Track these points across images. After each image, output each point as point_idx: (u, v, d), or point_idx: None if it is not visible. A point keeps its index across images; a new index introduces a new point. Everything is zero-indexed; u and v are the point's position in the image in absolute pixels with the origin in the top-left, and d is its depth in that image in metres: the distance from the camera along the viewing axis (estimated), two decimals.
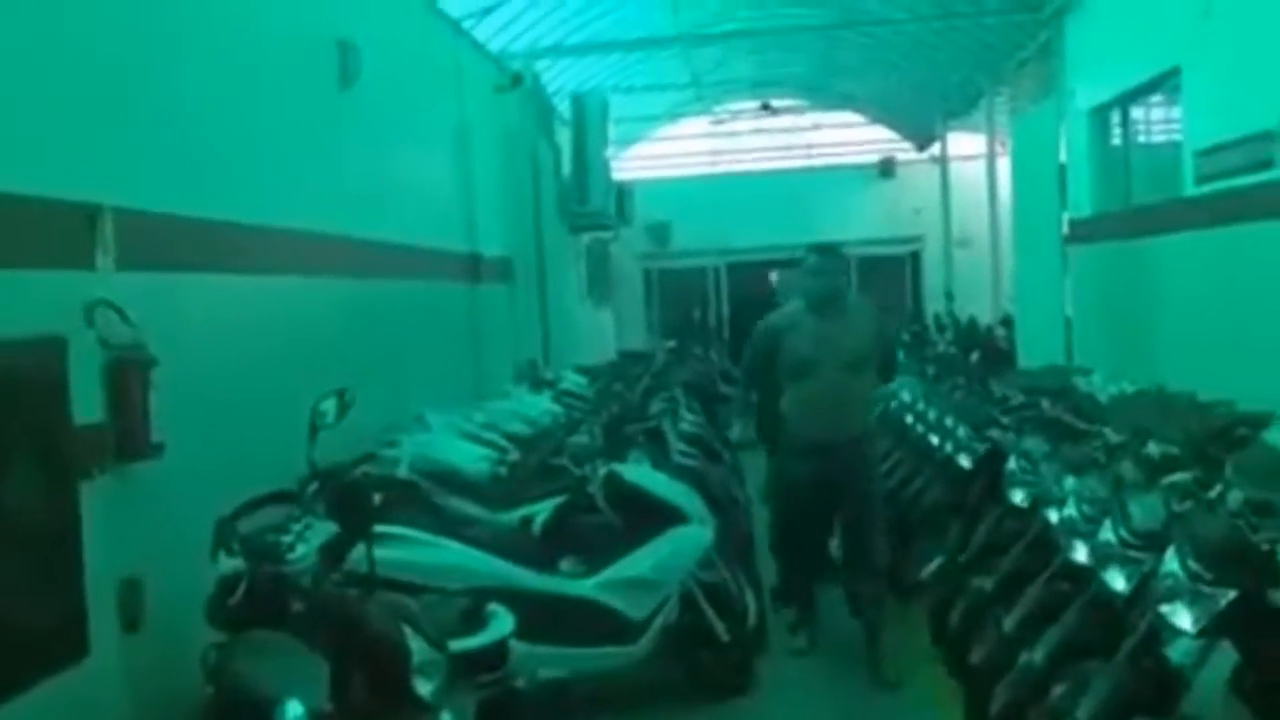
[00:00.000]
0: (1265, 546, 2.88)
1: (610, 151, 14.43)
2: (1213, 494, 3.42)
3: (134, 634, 3.48)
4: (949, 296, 17.73)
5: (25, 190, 3.33)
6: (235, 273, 4.70)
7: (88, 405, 3.37)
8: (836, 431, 5.36)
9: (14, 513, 2.88)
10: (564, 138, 12.83)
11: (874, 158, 20.16)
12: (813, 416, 5.41)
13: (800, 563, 5.78)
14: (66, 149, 3.57)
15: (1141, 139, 9.58)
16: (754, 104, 18.81)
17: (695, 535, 5.02)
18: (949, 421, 6.39)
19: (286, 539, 3.29)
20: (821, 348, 5.36)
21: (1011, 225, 13.16)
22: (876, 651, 5.39)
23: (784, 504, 5.79)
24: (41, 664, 2.90)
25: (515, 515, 5.09)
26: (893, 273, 19.16)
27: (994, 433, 5.79)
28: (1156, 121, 9.33)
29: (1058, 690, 3.60)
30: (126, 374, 3.56)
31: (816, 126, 20.55)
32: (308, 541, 3.30)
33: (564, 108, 12.90)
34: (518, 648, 3.46)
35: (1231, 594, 2.87)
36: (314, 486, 3.64)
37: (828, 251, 5.66)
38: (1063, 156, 10.34)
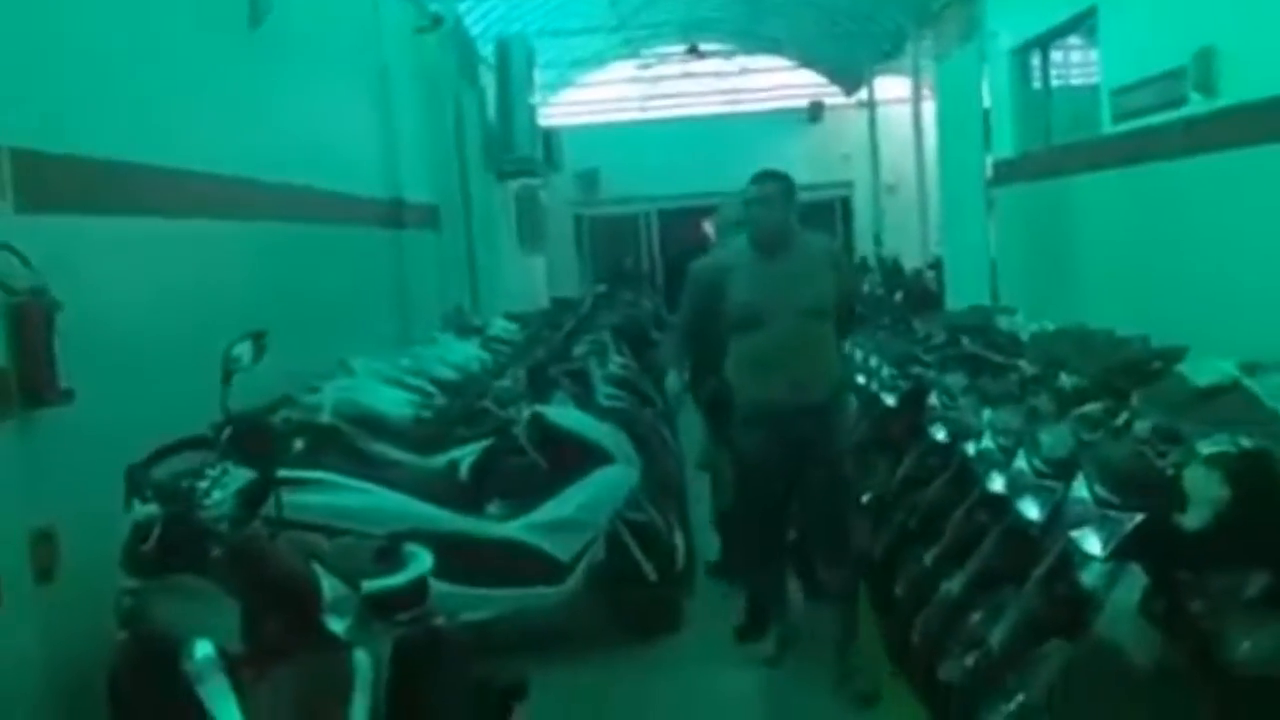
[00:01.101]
0: (1170, 471, 2.95)
1: (537, 97, 14.28)
2: (1119, 422, 3.50)
3: (47, 583, 3.40)
4: (877, 240, 17.90)
5: None
6: (144, 215, 4.57)
7: None
8: (796, 394, 4.49)
9: None
10: (489, 82, 12.66)
11: (802, 102, 20.18)
12: (765, 377, 4.53)
13: (758, 553, 4.92)
14: None
15: (1061, 80, 9.69)
16: (681, 48, 18.71)
17: (620, 475, 5.04)
18: (873, 361, 6.46)
19: (202, 484, 3.23)
20: (771, 293, 4.47)
21: (938, 169, 13.28)
22: (849, 655, 4.61)
23: (738, 484, 4.90)
24: None
25: (441, 459, 5.07)
26: (822, 218, 19.33)
27: (916, 370, 5.85)
28: (1076, 63, 9.43)
29: (975, 617, 3.69)
30: (28, 319, 3.45)
31: (744, 71, 20.54)
32: (224, 487, 3.24)
33: (488, 52, 12.71)
34: (440, 588, 3.45)
35: (1138, 518, 2.94)
36: (228, 431, 3.58)
37: (770, 178, 4.66)
38: (986, 99, 10.43)
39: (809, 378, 4.52)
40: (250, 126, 5.76)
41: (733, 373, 4.67)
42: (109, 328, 4.07)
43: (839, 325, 4.75)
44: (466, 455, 5.03)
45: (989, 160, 10.41)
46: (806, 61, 20.25)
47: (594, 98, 20.48)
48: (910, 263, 15.74)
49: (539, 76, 14.42)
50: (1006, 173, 10.08)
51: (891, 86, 17.96)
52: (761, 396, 4.55)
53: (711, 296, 4.66)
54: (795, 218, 4.66)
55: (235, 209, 5.50)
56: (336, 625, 2.71)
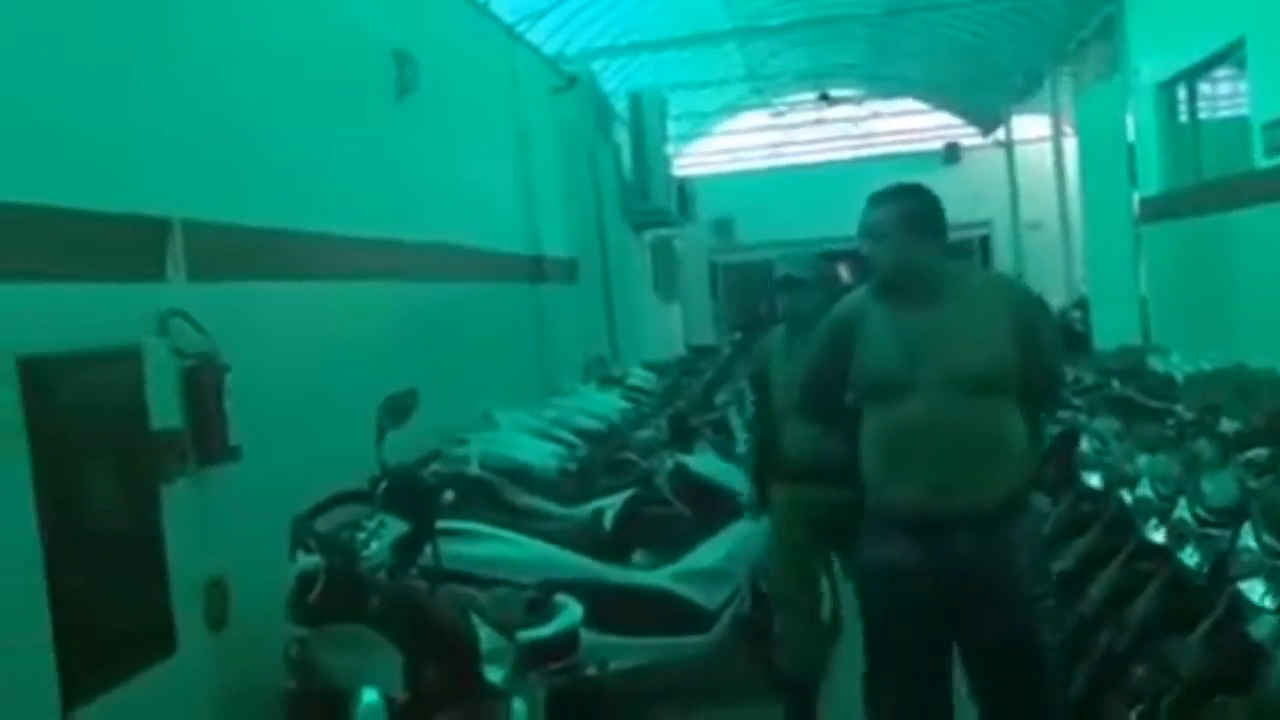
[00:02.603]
0: None
1: (670, 148, 14.45)
2: None
3: (219, 631, 3.57)
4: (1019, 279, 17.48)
5: (100, 207, 3.44)
6: (301, 279, 4.81)
7: (165, 412, 3.47)
8: (942, 498, 3.13)
9: (101, 517, 2.98)
10: (623, 137, 12.87)
11: (937, 144, 19.96)
12: (904, 470, 3.18)
13: None
14: (137, 166, 3.68)
15: (1209, 113, 9.38)
16: (812, 95, 18.70)
17: (763, 525, 5.02)
18: None
19: (360, 536, 3.37)
20: (909, 354, 3.18)
21: (1081, 206, 12.96)
22: None
23: (868, 635, 3.35)
24: (134, 660, 3.00)
25: (585, 509, 5.13)
26: (961, 259, 19.08)
27: (1066, 414, 5.70)
28: (1224, 95, 9.13)
29: (1138, 671, 3.55)
30: (201, 381, 3.65)
31: (876, 115, 20.39)
32: (380, 538, 3.37)
33: (622, 107, 12.94)
34: (590, 638, 3.50)
35: None
36: (384, 485, 3.71)
37: (889, 199, 3.32)
38: (1130, 134, 10.16)
39: (966, 477, 3.13)
40: (398, 190, 6.00)
41: (864, 463, 3.30)
42: (272, 387, 4.27)
43: (1029, 402, 3.30)
44: (610, 505, 5.08)
45: (1135, 196, 10.12)
46: (940, 103, 20.04)
47: (726, 146, 20.61)
48: (1055, 301, 15.34)
49: (672, 128, 14.60)
50: (1154, 209, 9.78)
51: (1029, 125, 17.64)
52: (900, 499, 3.18)
53: (836, 355, 3.37)
54: (936, 251, 3.29)
55: (384, 270, 5.72)
56: (494, 675, 2.77)
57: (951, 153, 19.77)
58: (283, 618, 3.37)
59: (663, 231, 15.63)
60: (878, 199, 3.32)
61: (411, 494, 3.34)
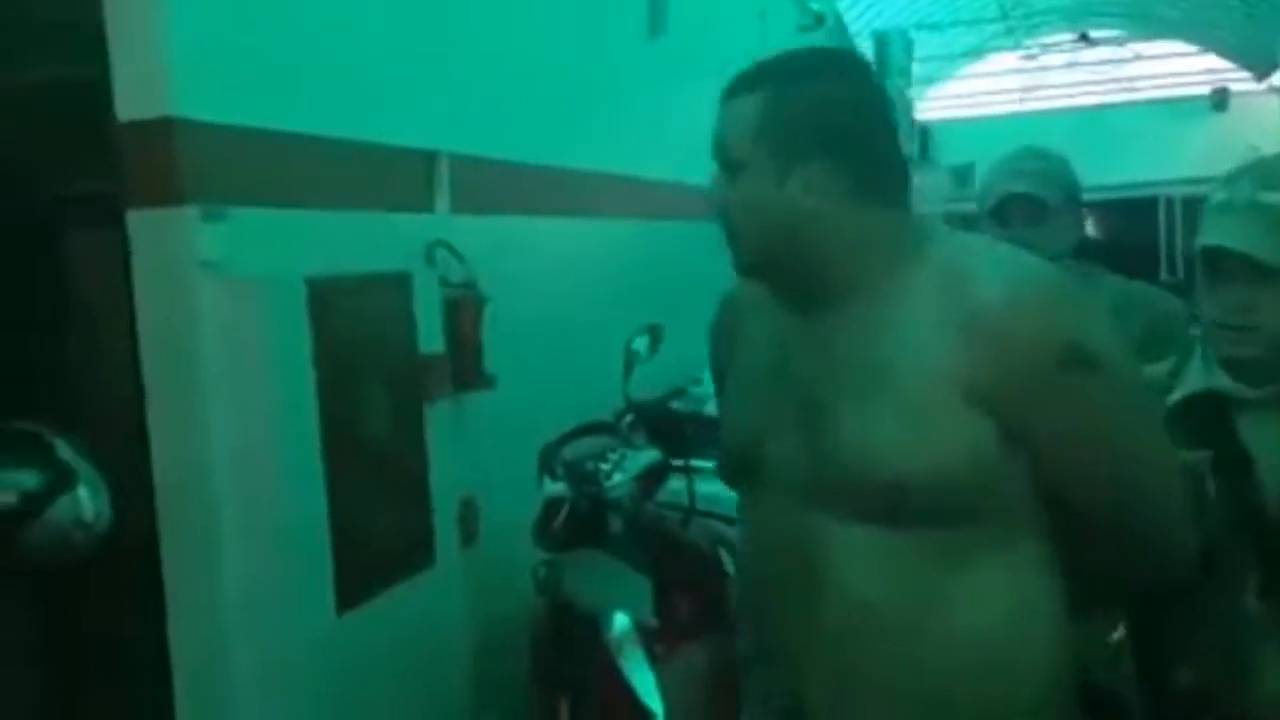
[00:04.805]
0: None
1: (913, 91, 14.05)
2: None
3: (469, 548, 3.76)
4: None
5: (378, 139, 3.62)
6: (554, 215, 4.94)
7: (430, 337, 3.65)
8: None
9: (373, 434, 3.19)
10: None
11: (1204, 89, 18.62)
12: (771, 644, 1.72)
13: None
14: (409, 102, 3.85)
15: None
16: (1067, 36, 17.77)
17: None
18: None
19: (605, 466, 3.47)
20: (769, 409, 1.67)
21: None
22: None
23: None
24: (398, 570, 3.21)
25: None
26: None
27: None
28: None
29: None
30: (462, 310, 3.83)
31: (1138, 57, 19.19)
32: (624, 470, 3.47)
33: (866, 47, 12.63)
34: None
35: None
36: (629, 418, 3.82)
37: (754, 85, 1.62)
38: None
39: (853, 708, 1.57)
40: (644, 129, 6.07)
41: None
42: (524, 319, 4.43)
43: (1093, 567, 1.61)
44: None
45: None
46: (1209, 45, 18.66)
47: (971, 90, 19.85)
48: None
49: (916, 70, 14.18)
50: None
51: None
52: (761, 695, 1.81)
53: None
54: (863, 200, 1.58)
55: (630, 208, 5.81)
56: None
57: (1220, 98, 18.36)
58: (528, 540, 3.54)
59: None
60: (733, 88, 1.66)
61: (655, 427, 3.41)
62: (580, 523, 3.32)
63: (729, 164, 1.65)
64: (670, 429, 3.46)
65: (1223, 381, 1.87)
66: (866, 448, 1.49)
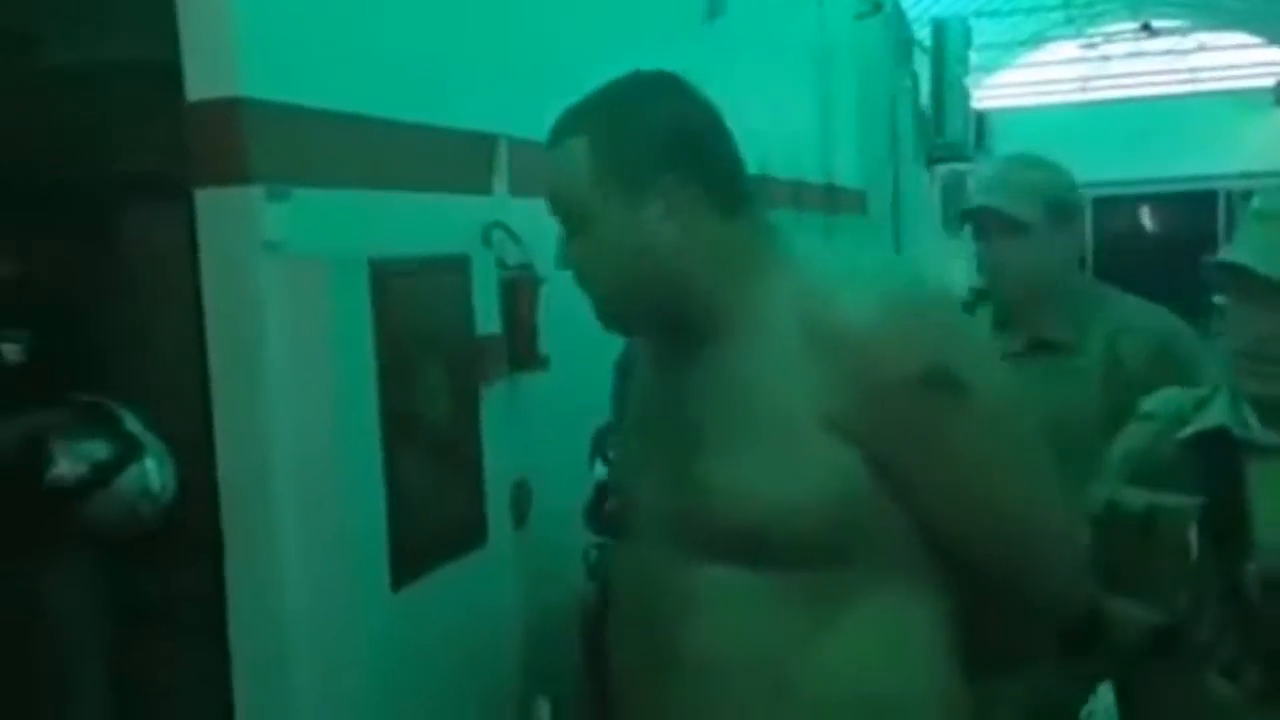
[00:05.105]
0: None
1: (970, 79, 13.90)
2: None
3: (521, 530, 3.80)
4: None
5: (439, 122, 3.66)
6: None
7: (487, 318, 3.68)
8: None
9: (430, 413, 3.22)
10: (922, 66, 12.45)
11: (1268, 82, 18.28)
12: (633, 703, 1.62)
13: None
14: (469, 85, 3.88)
15: None
16: (1129, 25, 17.50)
17: None
18: None
19: None
20: (642, 450, 1.76)
21: None
22: None
23: None
24: (451, 548, 3.24)
25: None
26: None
27: None
28: None
29: None
30: (518, 291, 3.85)
31: (1201, 48, 18.87)
32: None
33: (924, 35, 12.51)
34: None
35: None
36: None
37: (579, 119, 1.87)
38: None
39: None
40: None
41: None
42: (576, 302, 4.44)
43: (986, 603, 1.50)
44: None
45: None
46: (1273, 38, 18.30)
47: (1029, 79, 19.60)
48: None
49: (974, 58, 14.02)
50: None
51: None
52: None
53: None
54: (717, 223, 1.65)
55: None
56: None
57: None
58: (578, 524, 3.57)
59: (957, 166, 15.10)
60: (553, 139, 1.71)
61: None
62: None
63: (573, 219, 1.62)
64: None
65: (1238, 419, 1.61)
66: (727, 490, 1.41)
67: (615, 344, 4.73)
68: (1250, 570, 1.50)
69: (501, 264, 3.86)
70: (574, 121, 1.63)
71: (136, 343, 3.04)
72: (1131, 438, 1.87)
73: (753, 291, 1.49)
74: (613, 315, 1.68)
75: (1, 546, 2.59)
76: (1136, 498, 1.69)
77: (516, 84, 4.26)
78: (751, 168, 6.17)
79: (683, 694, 1.44)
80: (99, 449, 2.60)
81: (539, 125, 4.43)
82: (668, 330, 1.62)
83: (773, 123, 7.28)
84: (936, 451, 1.39)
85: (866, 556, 1.40)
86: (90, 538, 2.65)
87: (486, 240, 3.80)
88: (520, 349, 3.84)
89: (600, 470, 3.57)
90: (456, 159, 3.77)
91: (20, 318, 2.76)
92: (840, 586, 1.39)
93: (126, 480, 2.61)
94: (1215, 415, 1.68)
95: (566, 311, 4.41)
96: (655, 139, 1.57)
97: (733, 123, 6.34)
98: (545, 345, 3.99)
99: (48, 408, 2.64)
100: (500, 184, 4.05)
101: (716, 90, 6.55)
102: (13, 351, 2.69)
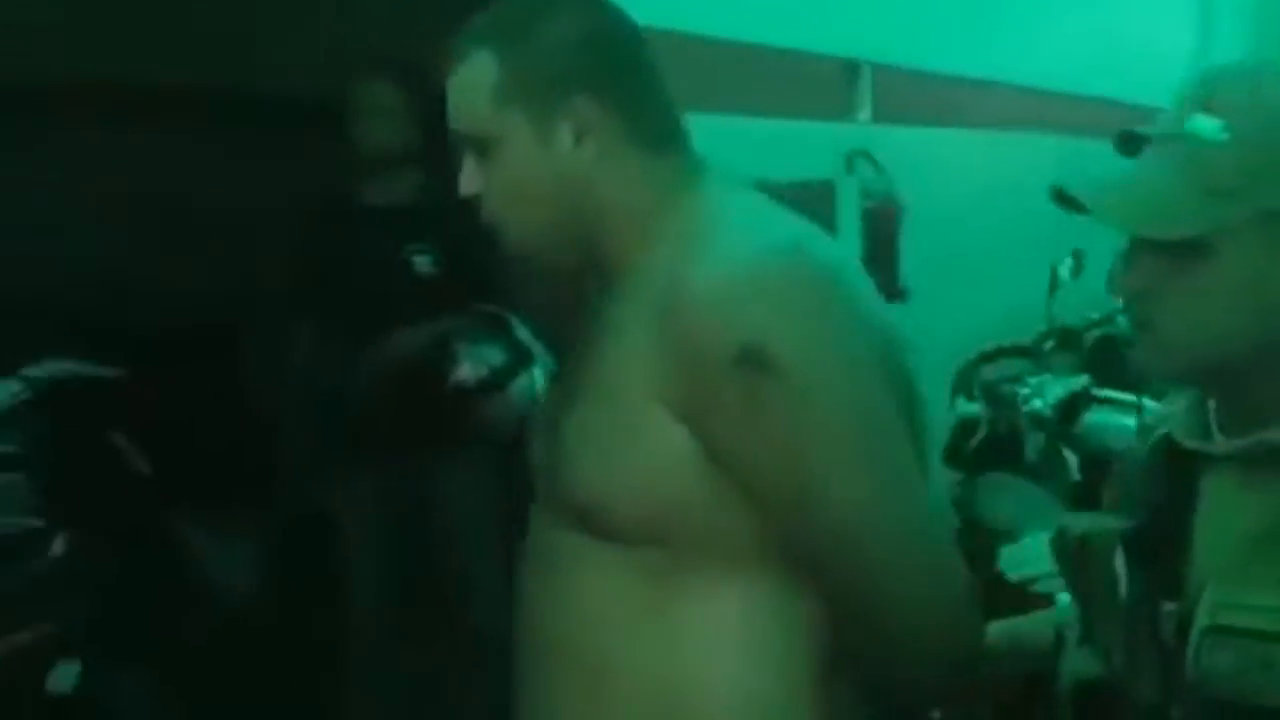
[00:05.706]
0: None
1: None
2: None
3: None
4: None
5: (803, 47, 3.63)
6: (972, 127, 4.76)
7: (848, 246, 3.64)
8: None
9: None
10: None
11: None
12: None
13: None
14: (832, 10, 3.82)
15: None
16: None
17: None
18: None
19: (1024, 391, 3.35)
20: (541, 438, 1.48)
21: None
22: None
23: None
24: None
25: None
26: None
27: None
28: None
29: None
30: (880, 220, 3.79)
31: None
32: (1044, 396, 3.33)
33: None
34: None
35: None
36: (1051, 342, 3.66)
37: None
38: None
39: None
40: (1060, 40, 5.69)
41: None
42: (941, 232, 4.31)
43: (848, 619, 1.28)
44: None
45: None
46: None
47: None
48: None
49: None
50: None
51: None
52: None
53: None
54: (622, 168, 1.35)
55: (1045, 121, 5.50)
56: None
57: None
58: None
59: None
60: (455, 55, 1.41)
61: (1101, 350, 3.28)
62: (997, 445, 3.23)
63: (476, 141, 1.38)
64: (1112, 353, 3.28)
65: (1197, 422, 1.20)
66: (570, 458, 1.33)
67: (979, 279, 4.57)
68: (1168, 612, 1.14)
69: (865, 192, 3.81)
70: (480, 32, 1.38)
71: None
72: None
73: (651, 251, 1.32)
74: (518, 252, 1.44)
75: (411, 443, 2.82)
76: (1078, 520, 1.36)
77: (881, 9, 4.16)
78: (1106, 93, 5.66)
79: (527, 658, 1.41)
80: (496, 355, 2.76)
81: (904, 51, 4.36)
82: (575, 277, 1.45)
83: (1133, 46, 6.75)
84: (755, 439, 1.23)
85: (707, 545, 1.28)
86: (485, 440, 2.83)
87: (849, 167, 3.75)
88: (881, 278, 3.78)
89: (964, 407, 3.47)
90: (820, 85, 3.74)
91: (432, 233, 2.98)
92: (676, 571, 1.29)
93: (518, 385, 2.77)
94: (1175, 416, 1.27)
95: (929, 242, 4.32)
96: (565, 53, 1.35)
97: (1087, 48, 5.87)
98: (906, 275, 3.91)
99: (452, 315, 2.84)
100: (864, 111, 3.99)
101: (1074, 13, 6.09)
102: (424, 264, 2.91)
